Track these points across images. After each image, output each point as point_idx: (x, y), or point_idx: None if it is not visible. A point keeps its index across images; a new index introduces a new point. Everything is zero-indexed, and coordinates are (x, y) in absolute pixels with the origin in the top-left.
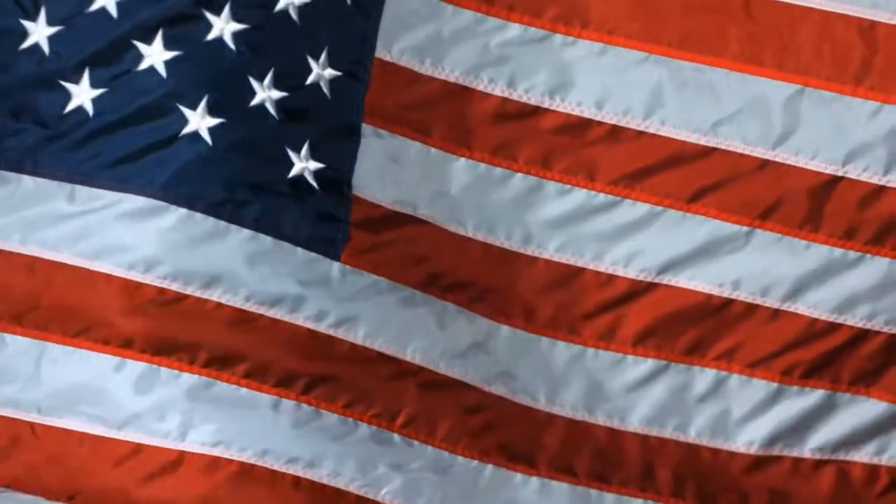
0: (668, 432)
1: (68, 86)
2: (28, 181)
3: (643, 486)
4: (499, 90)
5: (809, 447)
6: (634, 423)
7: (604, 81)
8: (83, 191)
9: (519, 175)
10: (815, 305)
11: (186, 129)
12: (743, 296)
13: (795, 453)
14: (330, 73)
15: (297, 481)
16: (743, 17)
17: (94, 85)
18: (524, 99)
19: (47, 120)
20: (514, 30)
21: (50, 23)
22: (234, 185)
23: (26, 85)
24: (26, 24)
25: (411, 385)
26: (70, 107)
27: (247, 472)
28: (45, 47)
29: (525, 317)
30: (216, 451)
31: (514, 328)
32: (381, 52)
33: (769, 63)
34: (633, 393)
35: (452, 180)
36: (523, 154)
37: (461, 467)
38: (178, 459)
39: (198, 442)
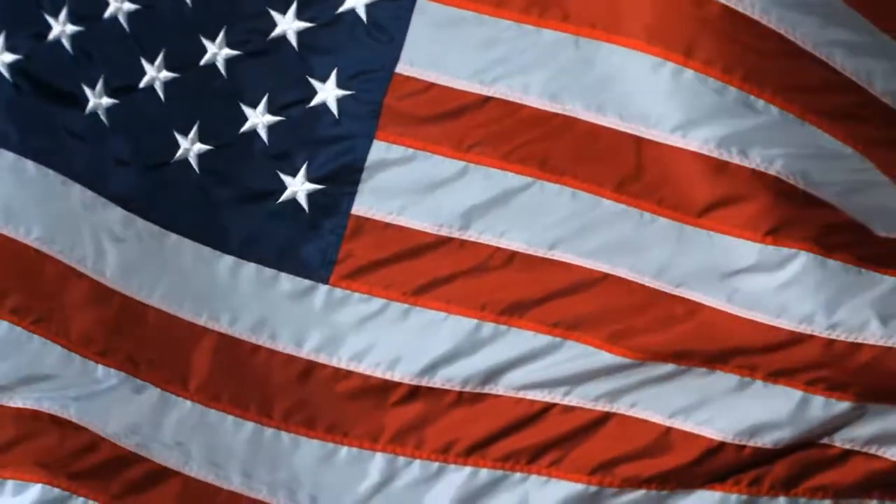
0: (691, 426)
1: (86, 89)
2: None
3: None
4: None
5: (839, 438)
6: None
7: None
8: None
9: (539, 182)
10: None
11: (178, 156)
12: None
13: (825, 441)
14: (340, 92)
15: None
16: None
17: (107, 94)
18: (546, 107)
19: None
20: (547, 35)
21: (72, 21)
22: (219, 211)
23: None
24: (48, 18)
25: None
26: (87, 110)
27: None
28: (68, 45)
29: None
30: None
31: (534, 331)
32: (401, 67)
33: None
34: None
35: (479, 189)
36: (551, 159)
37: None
38: None
39: None
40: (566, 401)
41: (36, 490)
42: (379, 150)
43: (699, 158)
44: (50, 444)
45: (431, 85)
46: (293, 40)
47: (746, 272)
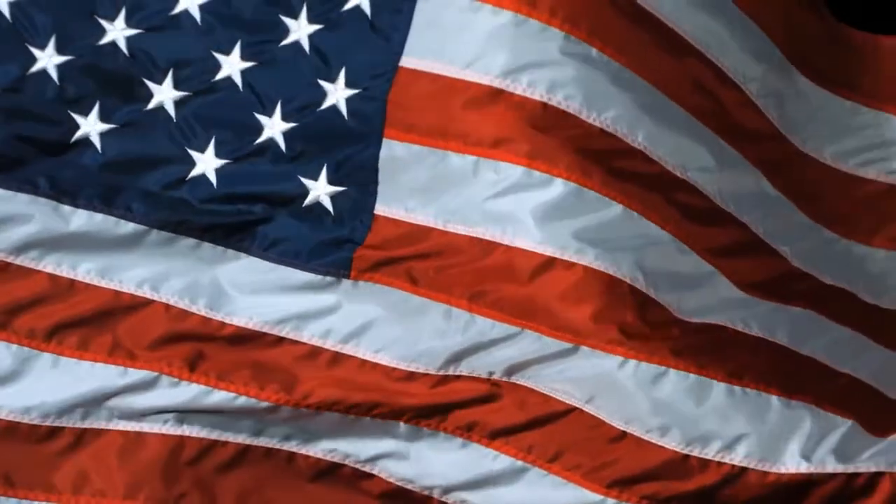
0: (712, 453)
1: (76, 116)
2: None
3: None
4: (538, 94)
5: (863, 464)
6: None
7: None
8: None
9: (559, 180)
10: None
11: (194, 173)
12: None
13: (851, 469)
14: (348, 92)
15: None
16: None
17: (102, 119)
18: (562, 106)
19: (52, 148)
20: (556, 36)
21: (60, 52)
22: (238, 219)
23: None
24: (34, 50)
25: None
26: (76, 137)
27: None
28: (54, 75)
29: None
30: None
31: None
32: (406, 61)
33: None
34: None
35: (484, 186)
36: (564, 160)
37: None
38: None
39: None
40: (588, 408)
41: None
42: (389, 147)
43: None
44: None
45: (437, 77)
46: (305, 44)
47: None
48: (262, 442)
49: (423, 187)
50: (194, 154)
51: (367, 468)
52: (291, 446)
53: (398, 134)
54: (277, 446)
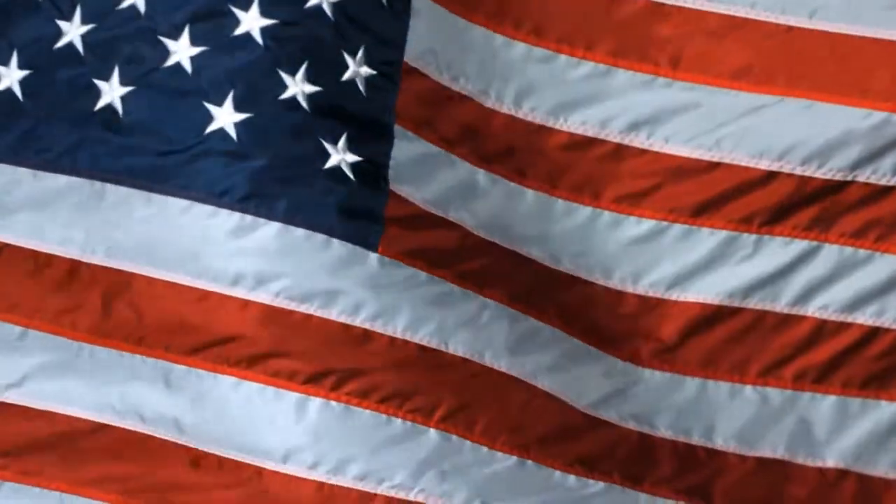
0: (695, 440)
1: (99, 83)
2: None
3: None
4: (506, 107)
5: (831, 457)
6: (661, 429)
7: (607, 101)
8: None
9: (530, 191)
10: (825, 307)
11: (212, 127)
12: (752, 303)
13: (819, 463)
14: (366, 70)
15: (320, 486)
16: (747, 39)
17: (123, 83)
18: (529, 118)
19: (81, 119)
20: (520, 48)
21: (84, 21)
22: (261, 179)
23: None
24: (61, 23)
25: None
26: (100, 104)
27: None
28: (80, 46)
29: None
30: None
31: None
32: (408, 56)
33: (778, 82)
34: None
35: (479, 192)
36: (531, 171)
37: (500, 464)
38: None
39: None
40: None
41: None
42: (399, 134)
43: None
44: None
45: (435, 81)
46: (328, 11)
47: None
48: (291, 469)
49: (440, 179)
50: (212, 108)
51: (402, 494)
52: (321, 475)
53: (409, 125)
54: (308, 476)
